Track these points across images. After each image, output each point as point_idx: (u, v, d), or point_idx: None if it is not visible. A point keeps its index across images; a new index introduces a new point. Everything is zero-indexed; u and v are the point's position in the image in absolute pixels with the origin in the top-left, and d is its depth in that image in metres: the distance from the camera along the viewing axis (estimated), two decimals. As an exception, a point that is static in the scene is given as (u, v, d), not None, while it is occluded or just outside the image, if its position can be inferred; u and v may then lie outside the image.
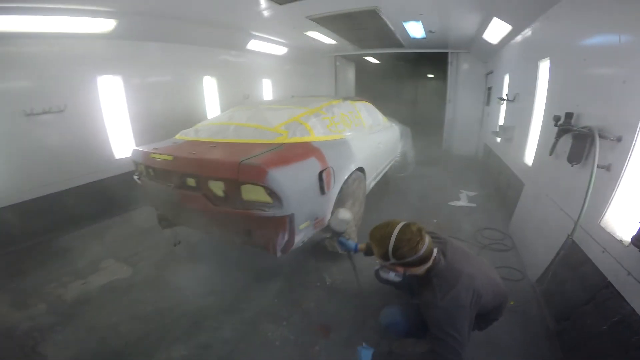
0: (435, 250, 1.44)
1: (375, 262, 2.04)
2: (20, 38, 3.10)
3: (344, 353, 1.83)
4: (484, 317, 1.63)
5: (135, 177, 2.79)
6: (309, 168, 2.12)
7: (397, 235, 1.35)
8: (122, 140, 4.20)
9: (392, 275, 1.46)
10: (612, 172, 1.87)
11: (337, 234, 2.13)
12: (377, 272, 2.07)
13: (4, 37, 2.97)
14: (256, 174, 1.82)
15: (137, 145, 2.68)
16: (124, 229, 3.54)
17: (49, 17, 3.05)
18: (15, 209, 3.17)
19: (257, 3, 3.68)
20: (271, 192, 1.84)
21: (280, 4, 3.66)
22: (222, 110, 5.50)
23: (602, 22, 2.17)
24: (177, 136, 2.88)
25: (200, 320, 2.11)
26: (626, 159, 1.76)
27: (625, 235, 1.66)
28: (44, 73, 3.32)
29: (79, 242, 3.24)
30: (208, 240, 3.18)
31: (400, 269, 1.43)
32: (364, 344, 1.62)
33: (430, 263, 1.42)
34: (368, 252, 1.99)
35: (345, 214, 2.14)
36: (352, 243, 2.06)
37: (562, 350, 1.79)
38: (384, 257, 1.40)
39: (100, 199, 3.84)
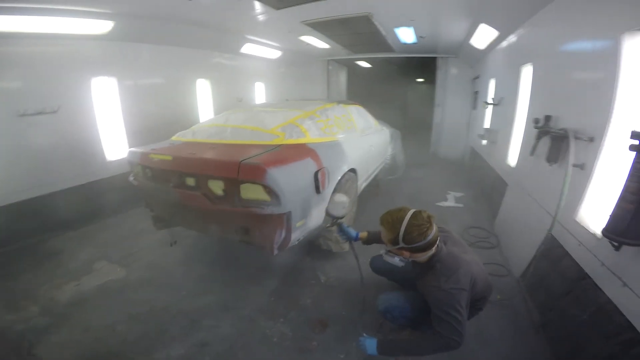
0: (438, 239, 1.55)
1: (370, 252, 2.16)
2: (16, 38, 3.09)
3: (341, 347, 1.90)
4: (471, 306, 1.72)
5: (131, 179, 2.82)
6: (305, 168, 2.20)
7: (408, 221, 1.47)
8: (115, 143, 4.19)
9: (396, 260, 1.59)
10: (585, 170, 2.03)
11: (336, 219, 2.09)
12: (372, 262, 2.22)
13: (-4, 37, 2.96)
14: (256, 173, 1.90)
15: (130, 147, 2.70)
16: (117, 231, 3.54)
17: (45, 18, 3.05)
18: (6, 210, 3.14)
19: (254, 7, 3.74)
20: (270, 190, 1.92)
21: (277, 8, 3.74)
22: (216, 113, 5.55)
23: (578, 29, 2.33)
24: (174, 137, 2.93)
25: (198, 319, 2.14)
26: (597, 158, 1.92)
27: (598, 228, 1.78)
28: (38, 73, 3.31)
29: (70, 244, 3.23)
30: (202, 241, 3.22)
31: (407, 254, 1.54)
32: (364, 334, 1.70)
33: (433, 250, 1.54)
34: (368, 240, 2.07)
35: (341, 197, 2.16)
36: (352, 231, 2.10)
37: (548, 341, 1.89)
38: (394, 241, 1.52)
39: (92, 201, 3.84)
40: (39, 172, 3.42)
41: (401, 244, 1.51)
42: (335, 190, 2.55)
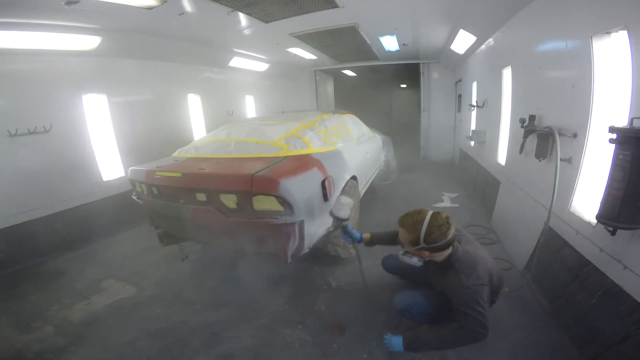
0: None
1: (376, 254, 2.21)
2: (4, 54, 3.06)
3: (362, 347, 1.95)
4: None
5: (134, 197, 2.81)
6: (313, 178, 2.27)
7: (429, 221, 1.58)
8: (109, 162, 4.15)
9: (414, 260, 1.67)
10: (573, 164, 2.20)
11: (340, 222, 2.11)
12: (384, 262, 2.31)
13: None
14: (269, 185, 1.95)
15: (125, 166, 2.65)
16: (119, 250, 3.49)
17: (33, 34, 3.04)
18: (3, 233, 3.08)
19: (242, 22, 3.83)
20: (283, 201, 1.98)
21: (266, 22, 3.85)
22: (208, 128, 5.58)
23: (552, 30, 2.52)
24: (176, 154, 2.94)
25: (218, 331, 2.15)
26: (582, 152, 2.09)
27: (592, 216, 1.90)
28: (28, 91, 3.27)
29: (73, 264, 3.18)
30: (208, 255, 3.23)
31: (427, 254, 1.63)
32: (388, 333, 1.78)
33: (450, 250, 1.65)
34: (371, 242, 2.18)
35: (345, 198, 2.18)
36: (356, 233, 2.16)
37: (561, 326, 1.96)
38: (414, 242, 1.61)
39: (90, 222, 3.76)
40: (34, 194, 3.35)
41: (422, 245, 1.59)
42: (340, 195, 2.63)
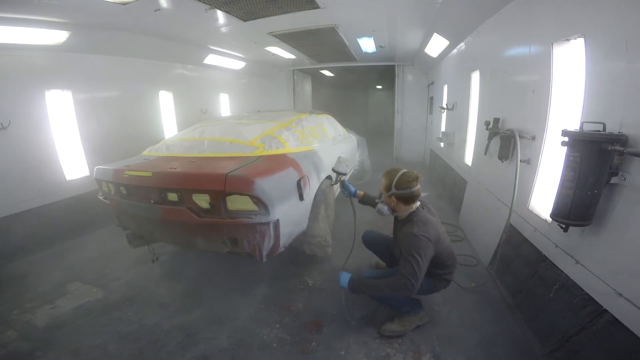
0: (419, 203, 2.00)
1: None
2: None
3: (340, 344, 1.99)
4: (438, 275, 2.02)
5: (101, 197, 2.69)
6: (288, 177, 2.28)
7: (402, 173, 1.94)
8: (73, 160, 3.92)
9: (385, 209, 2.02)
10: (531, 165, 2.36)
11: (340, 175, 2.51)
12: (363, 236, 2.61)
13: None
14: (243, 185, 1.94)
15: (92, 165, 2.52)
16: (83, 252, 3.32)
17: None
18: None
19: (220, 19, 3.76)
20: (257, 201, 1.98)
21: (244, 20, 3.80)
22: (180, 126, 5.41)
23: (517, 36, 2.67)
24: (146, 152, 2.85)
25: (193, 333, 2.11)
26: (540, 154, 2.25)
27: (549, 214, 2.05)
28: None
29: (35, 267, 3.01)
30: (180, 257, 3.15)
31: (394, 202, 1.95)
32: (344, 271, 2.04)
33: (414, 208, 1.95)
34: (363, 200, 2.51)
35: (344, 157, 2.58)
36: (352, 187, 2.53)
37: (524, 320, 2.08)
38: (388, 187, 1.96)
39: (53, 223, 3.56)
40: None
41: (393, 190, 1.92)
42: (316, 196, 2.66)
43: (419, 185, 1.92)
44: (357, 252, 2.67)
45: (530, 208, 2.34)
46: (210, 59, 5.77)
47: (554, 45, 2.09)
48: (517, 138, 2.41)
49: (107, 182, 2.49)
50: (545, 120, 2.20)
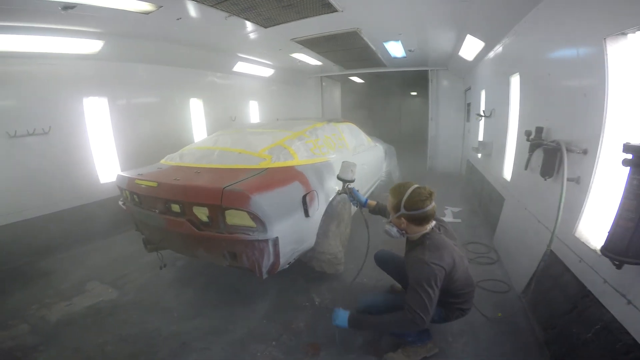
0: (434, 223, 1.72)
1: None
2: (6, 57, 3.11)
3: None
4: (453, 303, 1.74)
5: (120, 203, 2.77)
6: (292, 192, 2.14)
7: (413, 189, 1.67)
8: (107, 164, 4.16)
9: (394, 231, 1.75)
10: (581, 185, 1.97)
11: (347, 183, 2.27)
12: (376, 255, 2.37)
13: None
14: (239, 200, 1.85)
15: (122, 170, 2.66)
16: (109, 252, 3.47)
17: (36, 37, 3.09)
18: None
19: (243, 26, 3.80)
20: (255, 217, 1.86)
21: (265, 27, 3.81)
22: (209, 133, 5.54)
23: (561, 35, 2.31)
24: (163, 161, 2.89)
25: (189, 341, 2.08)
26: (593, 171, 1.86)
27: (599, 244, 1.71)
28: (28, 93, 3.32)
29: (62, 265, 3.19)
30: (193, 264, 3.14)
31: (404, 223, 1.69)
32: (340, 308, 1.80)
33: (427, 229, 1.69)
34: (374, 210, 2.26)
35: (348, 162, 2.34)
36: (362, 197, 2.29)
37: (552, 359, 1.80)
38: (396, 207, 1.70)
39: (84, 224, 3.78)
40: (30, 194, 3.39)
41: (402, 210, 1.66)
42: (326, 212, 2.49)
43: (433, 203, 1.67)
44: (371, 272, 2.46)
45: (576, 235, 1.95)
46: (239, 67, 5.88)
47: (607, 40, 1.72)
48: (564, 151, 2.03)
49: (124, 189, 2.54)
50: (600, 130, 1.80)
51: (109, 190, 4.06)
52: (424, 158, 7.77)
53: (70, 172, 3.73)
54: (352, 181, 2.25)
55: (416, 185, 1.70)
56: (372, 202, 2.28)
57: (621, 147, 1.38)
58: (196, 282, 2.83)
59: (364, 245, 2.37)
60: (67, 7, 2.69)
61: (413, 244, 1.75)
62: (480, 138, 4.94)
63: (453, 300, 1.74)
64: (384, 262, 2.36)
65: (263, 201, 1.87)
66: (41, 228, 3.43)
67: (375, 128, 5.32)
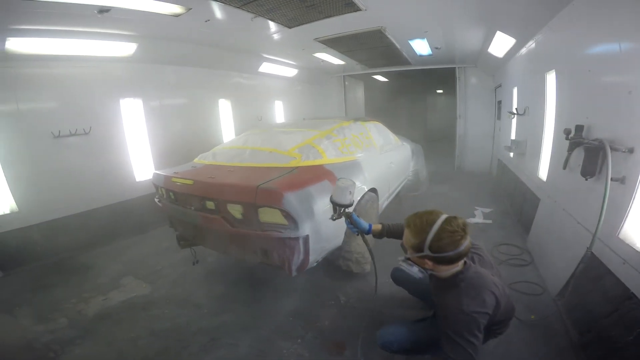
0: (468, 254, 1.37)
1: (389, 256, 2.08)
2: (49, 60, 3.33)
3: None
4: (491, 331, 1.55)
5: (156, 200, 2.92)
6: (322, 191, 2.17)
7: (441, 225, 1.26)
8: (142, 163, 4.39)
9: (414, 271, 1.44)
10: (626, 185, 1.86)
11: (342, 208, 1.74)
12: (393, 273, 2.13)
13: (33, 59, 3.22)
14: (273, 198, 1.90)
15: (156, 168, 2.78)
16: (143, 248, 3.66)
17: (74, 40, 3.28)
18: (41, 227, 3.37)
19: (267, 27, 3.88)
20: (287, 215, 1.91)
21: (289, 27, 3.87)
22: (237, 132, 5.70)
23: (601, 30, 2.20)
24: (196, 160, 3.01)
25: (217, 337, 2.15)
26: (639, 171, 1.76)
27: None
28: (70, 95, 3.54)
29: (99, 260, 3.38)
30: (224, 260, 3.25)
31: (430, 264, 1.34)
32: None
33: (460, 267, 1.36)
34: (381, 234, 1.84)
35: (345, 181, 1.76)
36: (364, 222, 1.80)
37: None
38: (417, 247, 1.32)
39: (121, 220, 4.01)
40: (72, 191, 3.63)
41: (426, 252, 1.29)
42: (355, 210, 2.50)
43: (469, 240, 1.28)
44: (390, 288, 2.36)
45: (620, 236, 1.85)
46: (265, 67, 6.01)
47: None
48: (608, 150, 1.92)
49: (159, 186, 2.69)
50: (649, 128, 1.72)
51: (144, 187, 4.27)
52: (451, 157, 7.54)
53: (109, 170, 3.96)
54: (350, 205, 1.76)
55: (444, 217, 1.30)
56: (377, 226, 1.85)
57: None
58: (226, 278, 2.92)
59: (390, 246, 2.25)
60: (103, 10, 2.84)
61: (443, 284, 1.40)
62: (513, 136, 4.73)
63: (491, 327, 1.50)
64: (402, 281, 2.19)
65: (295, 199, 1.92)
66: (82, 224, 3.67)
67: (401, 127, 5.23)
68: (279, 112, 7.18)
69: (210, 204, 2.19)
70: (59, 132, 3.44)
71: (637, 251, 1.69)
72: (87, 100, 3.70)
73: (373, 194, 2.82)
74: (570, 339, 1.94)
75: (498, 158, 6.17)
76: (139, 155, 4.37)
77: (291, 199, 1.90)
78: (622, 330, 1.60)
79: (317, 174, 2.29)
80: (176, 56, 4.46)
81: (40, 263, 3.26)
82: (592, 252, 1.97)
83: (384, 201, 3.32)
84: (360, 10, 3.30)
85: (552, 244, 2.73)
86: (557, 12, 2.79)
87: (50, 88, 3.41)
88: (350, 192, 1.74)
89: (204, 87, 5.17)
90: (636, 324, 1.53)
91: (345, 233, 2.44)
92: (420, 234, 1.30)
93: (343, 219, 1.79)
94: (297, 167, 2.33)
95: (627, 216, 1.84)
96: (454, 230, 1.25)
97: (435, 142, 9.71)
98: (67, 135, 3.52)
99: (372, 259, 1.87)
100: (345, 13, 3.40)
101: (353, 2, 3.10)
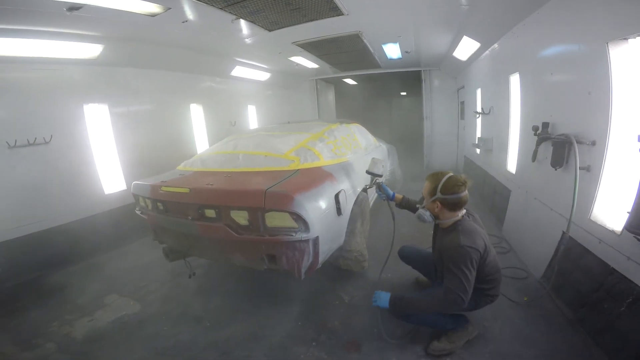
0: (465, 211, 1.87)
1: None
2: (4, 62, 2.99)
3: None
4: (482, 289, 1.84)
5: (138, 212, 2.73)
6: (326, 191, 2.20)
7: (450, 176, 1.82)
8: (111, 174, 4.06)
9: (427, 215, 1.90)
10: (592, 172, 2.14)
11: (376, 177, 2.30)
12: (401, 250, 2.50)
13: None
14: (283, 201, 1.88)
15: (126, 179, 2.53)
16: (122, 264, 3.40)
17: (33, 41, 2.97)
18: (3, 247, 2.98)
19: (245, 30, 3.79)
20: (297, 217, 1.90)
21: (270, 30, 3.82)
22: (210, 138, 5.51)
23: (563, 39, 2.48)
24: (180, 167, 2.87)
25: (229, 350, 2.06)
26: (602, 160, 2.03)
27: (616, 225, 1.89)
28: (27, 100, 3.18)
29: (74, 278, 3.10)
30: (214, 271, 3.13)
31: (438, 207, 1.82)
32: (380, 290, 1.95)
33: (459, 216, 1.83)
34: (401, 203, 2.35)
35: (378, 158, 2.40)
36: (390, 190, 2.35)
37: (589, 335, 1.92)
38: (432, 191, 1.84)
39: (92, 235, 3.67)
40: (34, 207, 3.26)
41: (438, 194, 1.80)
42: (353, 210, 2.56)
43: (467, 191, 1.79)
44: (395, 266, 2.54)
45: (592, 218, 2.11)
46: (237, 71, 5.87)
47: (609, 44, 1.91)
48: (575, 143, 2.19)
49: (144, 197, 2.52)
50: (607, 124, 1.98)
51: (114, 200, 3.99)
52: (419, 156, 7.94)
53: (74, 183, 3.61)
54: (381, 176, 2.32)
55: (452, 173, 1.84)
56: (399, 196, 2.38)
57: (631, 137, 1.55)
58: (220, 289, 2.81)
59: (380, 243, 2.43)
60: (73, 8, 2.59)
61: (445, 232, 1.87)
62: (479, 134, 5.11)
63: (484, 286, 1.84)
64: (409, 257, 2.48)
65: (305, 201, 1.92)
66: (48, 241, 3.31)
67: (369, 129, 5.36)
68: (252, 117, 7.05)
69: (210, 212, 2.10)
70: (15, 141, 3.06)
71: (609, 230, 1.94)
72: (47, 106, 3.34)
73: (365, 193, 2.90)
74: (564, 315, 2.14)
75: (464, 155, 6.62)
76: (107, 166, 4.03)
77: (301, 201, 1.90)
78: (613, 303, 1.79)
79: (319, 175, 2.31)
80: (145, 59, 4.20)
81: (5, 285, 2.91)
82: (569, 235, 2.21)
83: (372, 199, 3.43)
84: (342, 14, 3.37)
85: (528, 231, 3.01)
86: (523, 18, 3.07)
87: (4, 93, 3.03)
88: (382, 165, 2.33)
89: (174, 91, 4.91)
90: (624, 295, 1.73)
91: (346, 232, 2.48)
92: (435, 181, 1.84)
93: (374, 188, 2.35)
94: (298, 170, 2.33)
95: (595, 200, 2.11)
96: (457, 179, 1.80)
97: (403, 142, 10.10)
98: (25, 145, 3.15)
99: (393, 219, 2.27)
100: (329, 17, 3.45)
101: (337, 7, 3.16)
